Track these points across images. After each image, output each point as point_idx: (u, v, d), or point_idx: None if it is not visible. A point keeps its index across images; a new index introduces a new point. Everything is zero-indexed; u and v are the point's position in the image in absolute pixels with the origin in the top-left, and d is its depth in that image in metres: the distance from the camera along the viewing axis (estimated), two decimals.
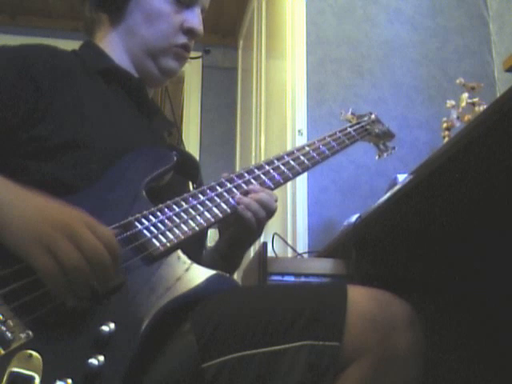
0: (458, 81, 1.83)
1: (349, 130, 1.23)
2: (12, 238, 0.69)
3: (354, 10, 2.30)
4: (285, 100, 2.36)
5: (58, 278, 0.67)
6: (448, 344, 1.43)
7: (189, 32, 1.07)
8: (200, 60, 3.59)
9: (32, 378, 0.63)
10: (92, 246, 0.68)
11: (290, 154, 1.07)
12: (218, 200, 0.92)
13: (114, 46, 1.07)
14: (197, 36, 1.09)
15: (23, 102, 0.86)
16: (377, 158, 1.35)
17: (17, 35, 3.36)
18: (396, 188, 1.18)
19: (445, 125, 1.82)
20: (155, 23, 1.05)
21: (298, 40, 2.25)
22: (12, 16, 3.51)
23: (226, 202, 0.92)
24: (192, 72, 3.57)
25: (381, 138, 1.34)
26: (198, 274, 0.79)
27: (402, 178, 1.28)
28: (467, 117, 1.74)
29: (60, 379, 0.64)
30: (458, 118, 1.77)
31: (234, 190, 0.95)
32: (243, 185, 0.96)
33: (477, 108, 1.72)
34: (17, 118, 0.85)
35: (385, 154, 1.34)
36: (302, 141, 2.11)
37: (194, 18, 1.08)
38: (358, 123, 1.28)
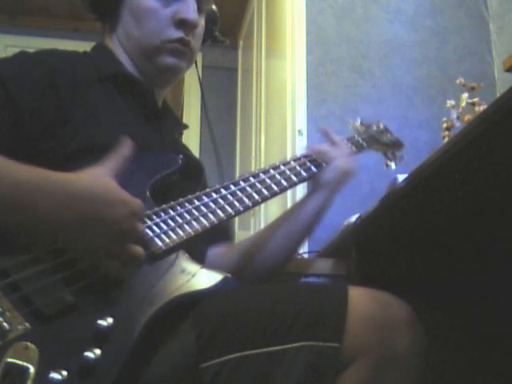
0: (458, 81, 1.83)
1: (357, 138, 1.23)
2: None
3: (353, 10, 2.30)
4: (285, 100, 2.35)
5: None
6: (448, 344, 1.43)
7: (181, 24, 1.03)
8: (200, 60, 3.59)
9: (27, 369, 0.64)
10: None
11: (296, 159, 1.08)
12: (222, 202, 0.92)
13: (118, 50, 1.07)
14: (191, 26, 1.04)
15: (46, 113, 0.87)
16: (385, 167, 1.35)
17: (17, 35, 3.36)
18: (396, 188, 1.18)
19: (445, 125, 1.82)
20: (144, 22, 1.03)
21: (298, 40, 2.25)
22: (12, 16, 3.51)
23: (222, 209, 0.92)
24: (192, 72, 3.55)
25: (389, 147, 1.33)
26: (205, 279, 0.80)
27: (402, 177, 1.28)
28: (467, 117, 1.73)
29: (55, 371, 0.64)
30: (458, 117, 1.77)
31: (238, 192, 0.95)
32: (238, 192, 0.96)
33: (477, 108, 1.71)
34: (38, 127, 0.86)
35: (393, 164, 1.34)
36: (302, 141, 2.11)
37: (185, 8, 1.03)
38: (366, 132, 1.28)
